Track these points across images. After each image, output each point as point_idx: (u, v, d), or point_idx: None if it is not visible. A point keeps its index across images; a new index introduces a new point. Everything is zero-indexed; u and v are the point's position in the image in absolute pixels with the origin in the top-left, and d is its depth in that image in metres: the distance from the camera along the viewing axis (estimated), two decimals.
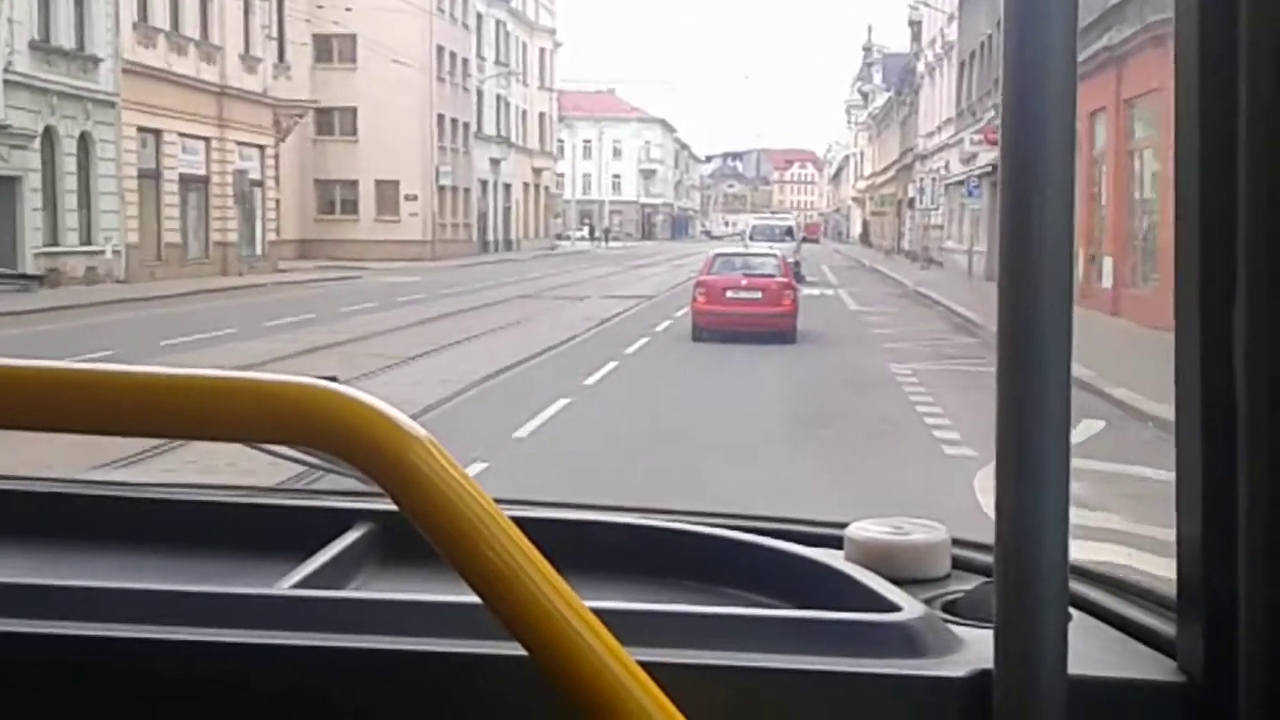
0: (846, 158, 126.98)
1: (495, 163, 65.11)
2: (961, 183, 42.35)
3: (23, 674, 1.13)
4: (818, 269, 49.30)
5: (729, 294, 20.21)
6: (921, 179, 45.31)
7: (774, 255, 23.23)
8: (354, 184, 53.36)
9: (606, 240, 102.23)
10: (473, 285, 33.38)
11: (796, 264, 31.73)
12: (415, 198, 53.31)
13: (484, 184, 63.78)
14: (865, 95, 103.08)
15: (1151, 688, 1.08)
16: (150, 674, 1.13)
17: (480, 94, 63.04)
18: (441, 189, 55.59)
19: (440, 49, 55.66)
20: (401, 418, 0.80)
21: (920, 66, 58.17)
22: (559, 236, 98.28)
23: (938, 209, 47.17)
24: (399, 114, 51.98)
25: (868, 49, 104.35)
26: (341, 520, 1.45)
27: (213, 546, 1.48)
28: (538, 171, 74.98)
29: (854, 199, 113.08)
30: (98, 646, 1.13)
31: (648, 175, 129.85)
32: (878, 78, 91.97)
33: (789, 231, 41.58)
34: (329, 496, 1.58)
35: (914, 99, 62.30)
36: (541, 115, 76.04)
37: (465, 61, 60.02)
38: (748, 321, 19.59)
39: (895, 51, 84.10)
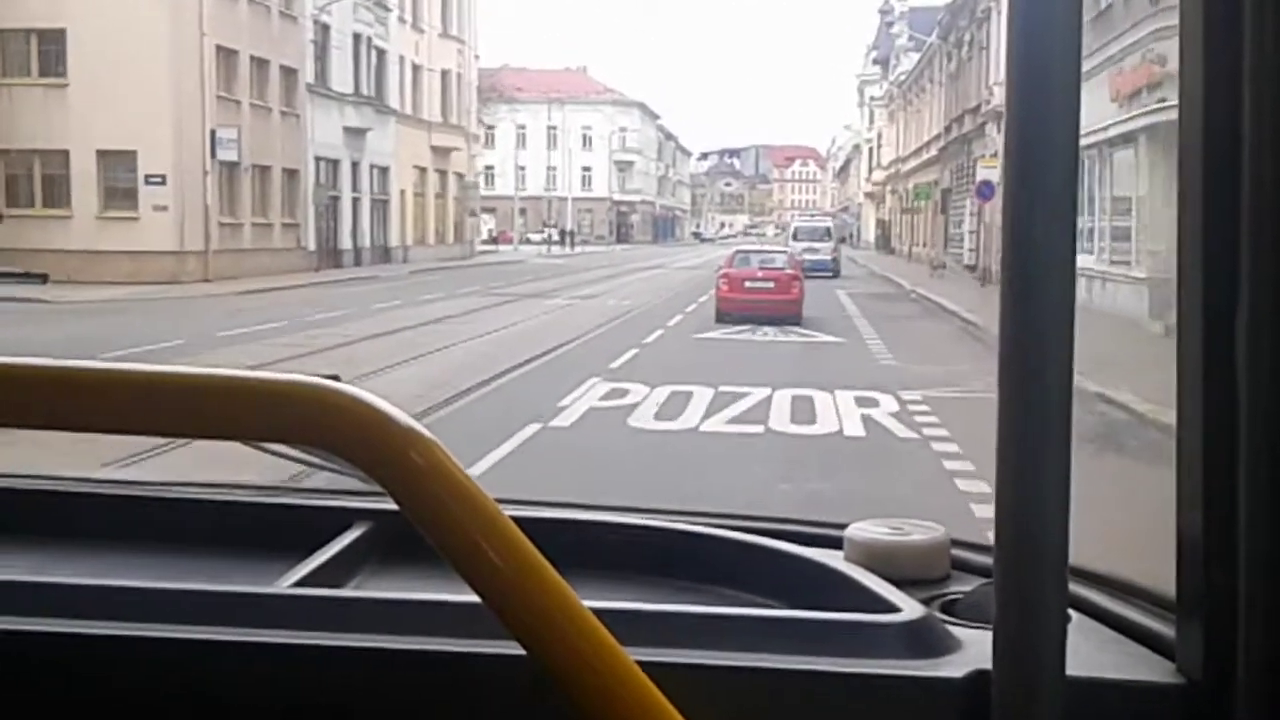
0: (856, 147, 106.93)
1: (355, 134, 44.13)
2: (1122, 140, 21.58)
3: (23, 672, 1.15)
4: (832, 299, 28.32)
5: (747, 284, 23.33)
6: None
7: (784, 251, 27.63)
8: (60, 157, 32.38)
9: (570, 244, 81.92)
10: None
11: (835, 260, 42.93)
12: (162, 180, 32.29)
13: (331, 164, 42.79)
14: (884, 63, 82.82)
15: (1150, 689, 1.09)
16: (151, 672, 1.14)
17: (325, 29, 42.12)
18: (228, 168, 34.67)
19: None
20: (403, 417, 0.81)
21: None
22: (493, 239, 77.92)
23: None
24: (140, 43, 31.12)
25: (885, 10, 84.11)
26: (342, 519, 1.46)
27: (213, 545, 1.49)
28: (441, 152, 53.99)
29: (867, 194, 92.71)
30: (98, 645, 1.15)
31: (623, 168, 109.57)
32: (902, 39, 71.46)
33: (828, 232, 46.13)
34: (329, 495, 1.56)
35: (975, 33, 41.40)
36: (445, 75, 55.02)
37: None
38: (762, 307, 22.52)
39: (922, 5, 63.74)
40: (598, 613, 0.82)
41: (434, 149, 53.29)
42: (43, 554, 1.47)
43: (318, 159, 41.36)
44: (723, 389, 13.03)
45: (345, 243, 43.72)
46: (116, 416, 0.82)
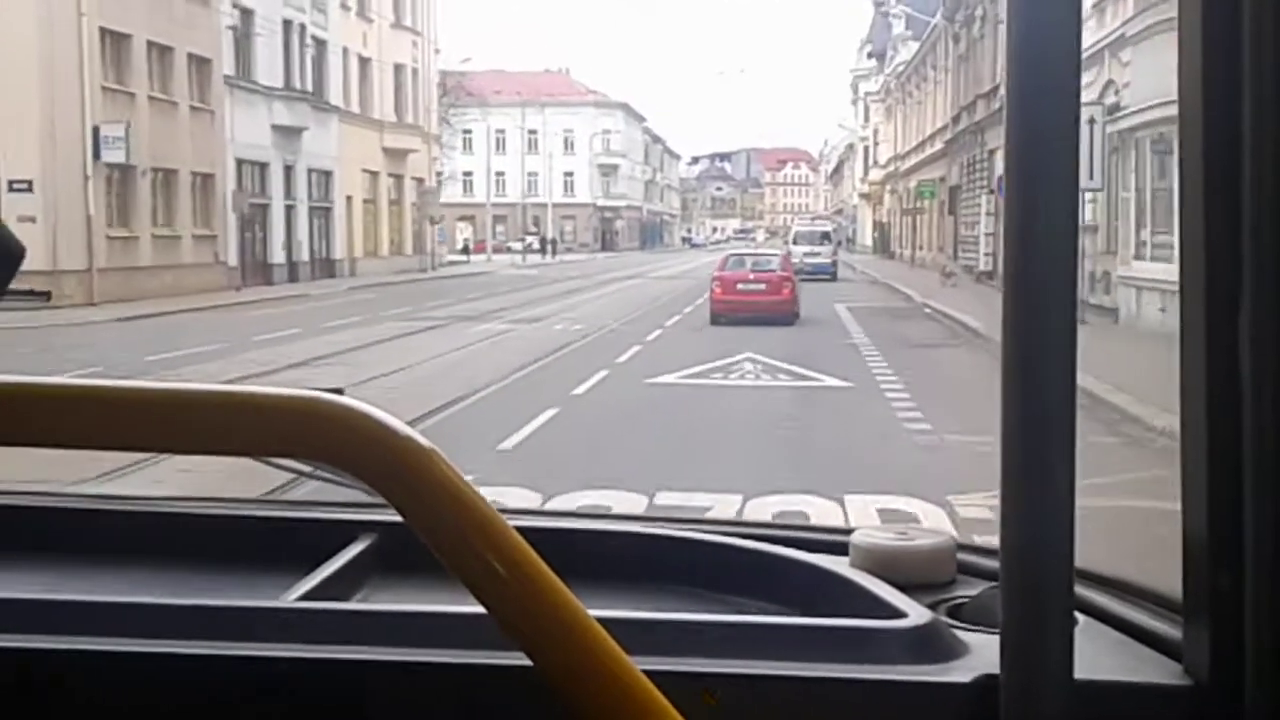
0: (850, 146, 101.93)
1: (288, 133, 38.95)
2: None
3: (30, 690, 1.15)
4: (831, 317, 23.39)
5: (740, 286, 23.92)
6: None
7: (776, 254, 27.65)
8: None
9: (552, 252, 76.98)
10: None
11: (834, 264, 42.68)
12: (29, 186, 27.05)
13: (258, 168, 37.60)
14: (880, 56, 77.86)
15: (1157, 691, 1.09)
16: (158, 688, 1.15)
17: (247, 15, 36.95)
18: (119, 171, 29.50)
19: None
20: (406, 429, 0.81)
21: None
22: (465, 250, 72.83)
23: (1099, 189, 21.06)
24: (3, 24, 26.05)
25: (879, 1, 79.09)
26: (347, 532, 1.46)
27: (218, 560, 1.48)
28: (396, 155, 48.80)
29: (863, 196, 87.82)
30: (104, 661, 1.15)
31: (607, 172, 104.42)
32: (899, 26, 66.48)
33: (827, 236, 46.17)
34: (334, 508, 1.54)
35: (988, 7, 36.31)
36: (399, 69, 49.82)
37: None
38: (755, 308, 22.94)
39: None
40: (603, 622, 0.82)
41: (387, 151, 48.08)
42: (48, 571, 1.46)
43: (240, 161, 36.19)
44: (662, 498, 7.89)
45: (276, 256, 38.52)
46: (121, 433, 0.82)
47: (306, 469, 1.33)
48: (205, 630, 1.17)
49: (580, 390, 13.55)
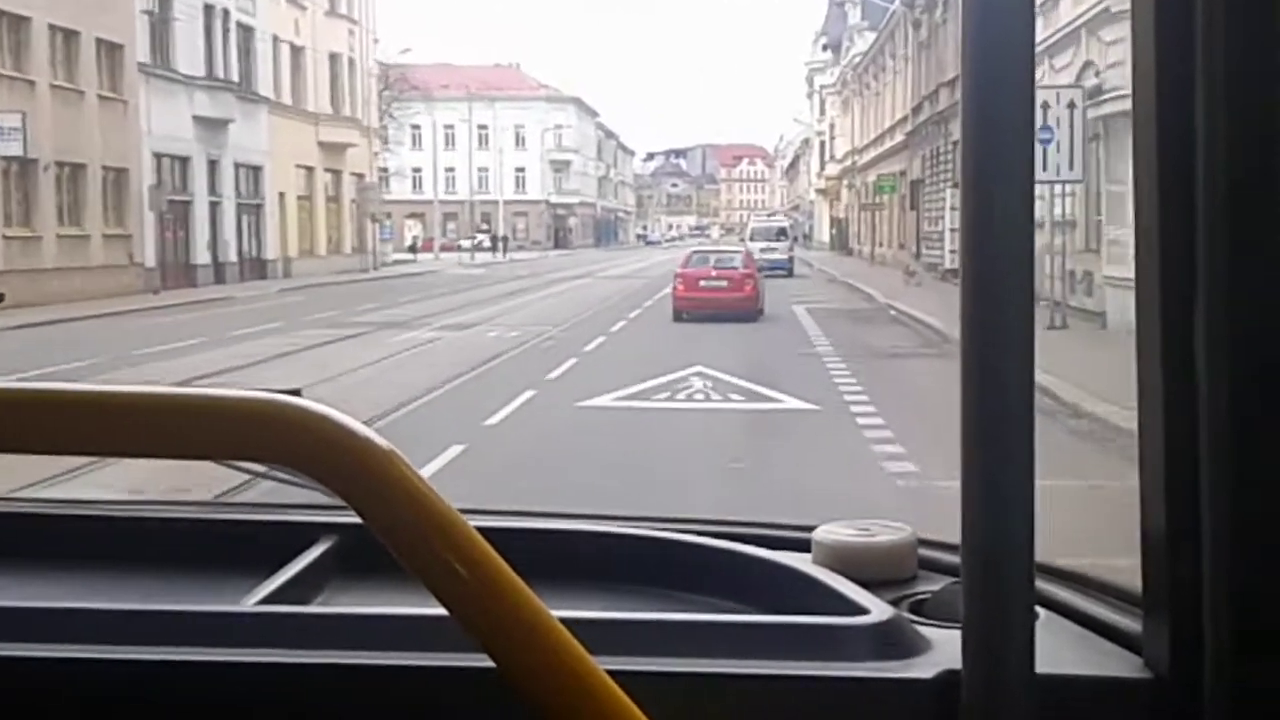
0: (806, 141, 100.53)
1: (212, 126, 36.57)
2: None
3: None
4: (791, 321, 21.57)
5: (702, 283, 23.83)
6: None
7: (739, 251, 27.47)
8: None
9: (503, 251, 74.80)
10: None
11: (790, 260, 42.37)
12: None
13: (179, 162, 35.22)
14: (836, 47, 76.10)
15: (1118, 684, 1.10)
16: (113, 695, 1.13)
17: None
18: (18, 166, 27.12)
19: None
20: (364, 430, 0.81)
21: None
22: (413, 248, 70.50)
23: (1078, 181, 19.20)
24: None
25: None
26: (306, 534, 1.45)
27: (175, 564, 1.47)
28: (333, 149, 46.43)
29: (820, 191, 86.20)
30: (58, 669, 1.13)
31: (559, 168, 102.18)
32: (855, 15, 64.77)
33: (783, 232, 45.82)
34: (293, 510, 1.52)
35: None
36: (335, 59, 47.41)
37: None
38: (718, 305, 22.93)
39: None
40: (566, 622, 0.82)
41: (323, 145, 45.77)
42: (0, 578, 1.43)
43: (158, 155, 33.90)
44: None
45: (201, 257, 36.19)
46: (73, 438, 0.81)
47: (263, 469, 1.29)
48: (164, 636, 1.14)
49: (496, 419, 11.42)
